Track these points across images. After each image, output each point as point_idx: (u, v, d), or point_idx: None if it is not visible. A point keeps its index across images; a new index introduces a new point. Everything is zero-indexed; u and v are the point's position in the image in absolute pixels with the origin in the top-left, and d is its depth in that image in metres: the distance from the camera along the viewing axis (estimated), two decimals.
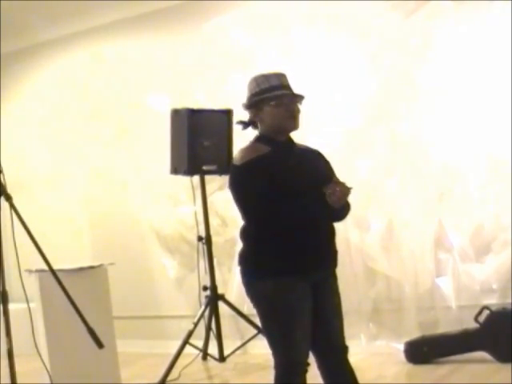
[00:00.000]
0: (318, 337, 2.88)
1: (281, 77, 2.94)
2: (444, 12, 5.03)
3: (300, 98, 2.93)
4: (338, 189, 2.72)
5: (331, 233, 2.95)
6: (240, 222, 2.93)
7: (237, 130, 5.17)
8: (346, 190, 2.73)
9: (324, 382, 2.98)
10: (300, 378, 2.84)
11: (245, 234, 2.92)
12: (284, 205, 2.76)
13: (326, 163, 3.05)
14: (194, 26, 5.88)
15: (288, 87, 2.93)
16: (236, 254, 5.52)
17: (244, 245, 2.94)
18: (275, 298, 2.81)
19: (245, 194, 2.82)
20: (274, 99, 2.87)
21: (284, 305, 2.80)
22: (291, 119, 2.89)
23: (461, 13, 5.00)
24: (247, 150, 2.89)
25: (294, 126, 2.91)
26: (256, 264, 2.87)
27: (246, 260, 2.93)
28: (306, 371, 2.86)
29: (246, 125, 3.01)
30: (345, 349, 2.96)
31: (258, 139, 2.95)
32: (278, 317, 2.82)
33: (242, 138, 5.33)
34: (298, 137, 3.03)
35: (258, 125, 2.95)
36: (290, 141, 2.98)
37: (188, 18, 5.95)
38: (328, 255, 2.94)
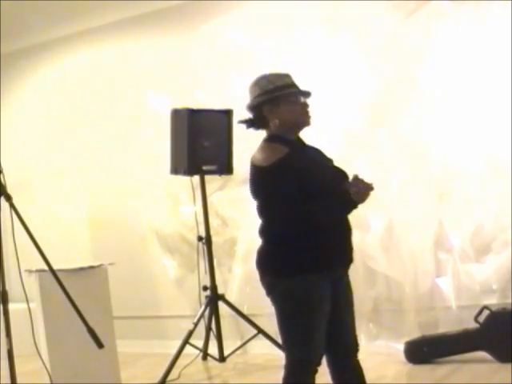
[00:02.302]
0: (331, 334, 2.88)
1: (290, 76, 3.00)
2: (444, 12, 5.04)
3: (310, 95, 3.00)
4: (361, 186, 2.75)
5: (350, 230, 2.96)
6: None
7: (237, 130, 5.22)
8: (368, 187, 2.77)
9: (332, 379, 2.99)
10: (311, 378, 2.85)
11: (267, 232, 2.90)
12: (312, 204, 2.76)
13: (331, 161, 3.07)
14: (193, 26, 5.88)
15: (298, 86, 2.99)
16: (236, 254, 5.58)
17: (265, 243, 2.91)
18: (299, 296, 2.80)
19: (276, 195, 2.80)
20: (291, 96, 2.92)
21: (307, 304, 2.80)
22: (306, 116, 2.95)
23: (461, 13, 5.00)
24: (269, 151, 2.87)
25: (309, 122, 2.97)
26: (281, 262, 2.85)
27: (269, 258, 2.90)
28: (316, 371, 2.86)
29: (250, 123, 3.00)
30: (356, 347, 2.97)
31: (271, 139, 2.94)
32: (300, 316, 2.81)
33: (242, 138, 5.37)
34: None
35: (270, 122, 2.93)
36: (300, 140, 3.01)
37: (188, 18, 5.96)
38: (348, 252, 2.96)
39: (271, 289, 2.88)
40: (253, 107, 2.97)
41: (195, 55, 5.87)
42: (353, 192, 2.73)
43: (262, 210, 2.88)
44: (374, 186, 2.79)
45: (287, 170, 2.79)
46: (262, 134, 3.02)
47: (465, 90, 4.97)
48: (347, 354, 2.95)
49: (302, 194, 2.75)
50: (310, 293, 2.79)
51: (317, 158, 2.98)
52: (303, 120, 2.95)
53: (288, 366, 2.87)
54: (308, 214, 2.77)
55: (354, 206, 2.80)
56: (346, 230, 2.93)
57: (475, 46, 4.94)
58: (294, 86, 2.96)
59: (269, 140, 2.95)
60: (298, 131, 2.99)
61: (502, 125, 4.83)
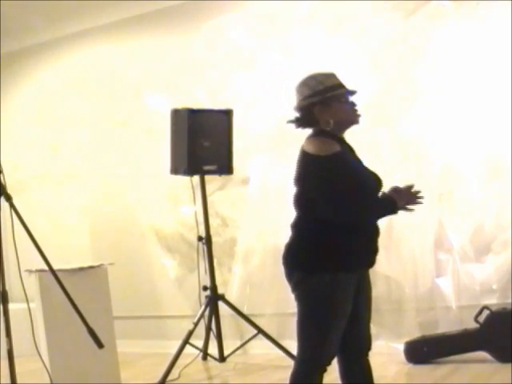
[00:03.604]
0: (347, 331, 2.87)
1: (336, 76, 3.04)
2: (444, 12, 5.04)
3: (355, 94, 3.03)
4: (407, 198, 2.85)
5: (379, 231, 2.97)
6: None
7: (237, 130, 5.22)
8: (411, 194, 2.87)
9: (341, 377, 2.99)
10: (319, 377, 2.85)
11: (300, 225, 2.89)
12: (356, 203, 2.79)
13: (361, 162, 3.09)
14: (194, 26, 5.88)
15: (345, 86, 3.00)
16: (236, 254, 5.57)
17: (297, 237, 2.89)
18: (324, 295, 2.78)
19: (333, 184, 2.77)
20: (343, 96, 2.95)
21: (331, 304, 2.79)
22: (356, 114, 2.98)
23: (461, 13, 5.00)
24: (325, 143, 2.86)
25: (358, 121, 2.99)
26: (312, 258, 2.82)
27: (300, 253, 2.87)
28: (325, 370, 2.86)
29: (300, 122, 2.99)
30: (369, 346, 2.99)
31: (322, 134, 2.93)
32: (321, 315, 2.80)
33: (242, 138, 5.36)
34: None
35: (321, 122, 2.93)
36: (344, 139, 3.02)
37: (188, 18, 5.96)
38: (376, 252, 2.97)
39: (298, 285, 2.84)
40: (303, 107, 2.96)
41: (195, 55, 5.87)
42: (401, 205, 2.82)
43: (301, 199, 2.87)
44: (414, 188, 2.87)
45: (342, 164, 2.80)
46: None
47: (465, 90, 4.97)
48: (360, 353, 2.97)
49: (350, 192, 2.75)
50: (335, 293, 2.78)
51: (359, 158, 3.01)
52: (354, 119, 2.98)
53: (298, 363, 2.87)
54: (350, 211, 2.78)
55: (394, 212, 2.87)
56: (375, 232, 2.94)
57: (475, 45, 4.94)
58: (342, 85, 2.98)
59: (319, 134, 2.93)
60: (346, 130, 3.01)
61: (501, 125, 4.83)
